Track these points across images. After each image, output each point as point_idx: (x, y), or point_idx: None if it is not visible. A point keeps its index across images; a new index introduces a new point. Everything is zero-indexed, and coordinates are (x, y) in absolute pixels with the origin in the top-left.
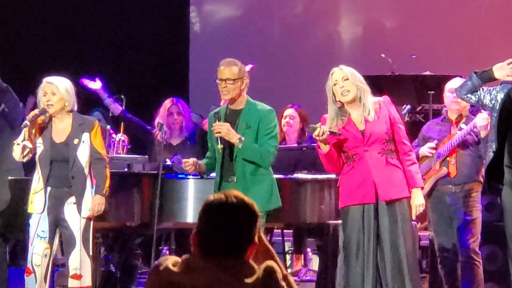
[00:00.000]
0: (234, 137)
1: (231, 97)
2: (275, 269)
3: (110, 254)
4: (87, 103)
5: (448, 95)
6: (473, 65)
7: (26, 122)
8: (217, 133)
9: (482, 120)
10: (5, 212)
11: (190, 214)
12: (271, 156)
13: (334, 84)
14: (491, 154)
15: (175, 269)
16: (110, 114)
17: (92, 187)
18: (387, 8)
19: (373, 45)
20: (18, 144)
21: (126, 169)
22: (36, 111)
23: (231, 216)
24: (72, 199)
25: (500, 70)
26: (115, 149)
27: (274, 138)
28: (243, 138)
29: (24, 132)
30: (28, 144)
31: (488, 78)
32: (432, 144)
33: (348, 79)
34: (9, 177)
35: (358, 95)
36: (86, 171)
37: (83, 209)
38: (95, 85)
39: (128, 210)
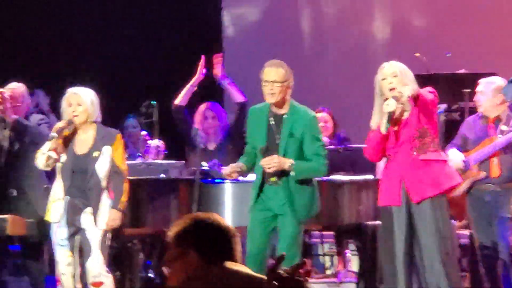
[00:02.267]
0: (285, 164)
1: (276, 100)
2: None
3: (149, 260)
4: (122, 110)
5: (486, 95)
6: (509, 61)
7: (54, 134)
8: (268, 169)
9: None
10: (41, 222)
11: (228, 218)
12: (325, 167)
13: (383, 79)
14: None
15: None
16: (145, 120)
17: (110, 200)
18: (418, 7)
19: (407, 44)
20: (43, 153)
21: (162, 176)
22: (62, 123)
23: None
24: (89, 209)
25: None
26: (151, 156)
27: (322, 146)
28: (293, 163)
29: (50, 142)
30: (53, 154)
31: None
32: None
33: (397, 75)
34: (45, 185)
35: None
36: (104, 184)
37: (99, 221)
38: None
39: (165, 216)
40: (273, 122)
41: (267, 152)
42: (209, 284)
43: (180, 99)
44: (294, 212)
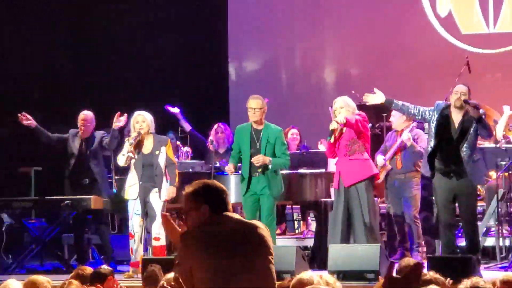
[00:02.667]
0: (266, 160)
1: (256, 120)
2: None
3: None
4: (165, 127)
5: (396, 117)
6: (411, 97)
7: (132, 141)
8: (257, 163)
9: (406, 136)
10: (114, 199)
11: (232, 197)
12: (289, 162)
13: (335, 109)
14: (429, 150)
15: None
16: (180, 135)
17: (167, 181)
18: (353, 61)
19: (347, 85)
20: (123, 155)
21: (190, 170)
22: (135, 134)
23: None
24: (155, 189)
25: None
26: (182, 157)
27: (286, 149)
28: (271, 159)
29: (128, 147)
30: (132, 155)
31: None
32: (381, 159)
33: (343, 107)
34: (116, 177)
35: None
36: (163, 171)
37: (161, 195)
38: (175, 109)
39: None
40: (255, 135)
41: (253, 154)
42: (215, 226)
43: (185, 128)
44: (271, 191)
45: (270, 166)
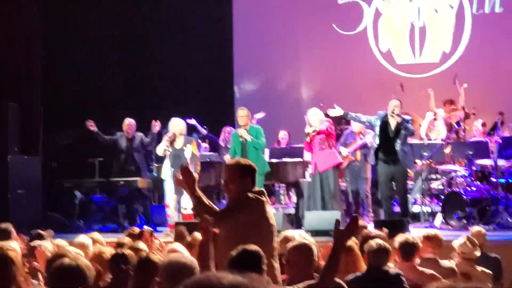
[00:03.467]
0: (248, 137)
1: (243, 124)
2: None
3: None
4: (190, 131)
5: (354, 122)
6: (361, 108)
7: (167, 138)
8: (240, 134)
9: (370, 139)
10: (154, 180)
11: None
12: (264, 144)
13: (309, 118)
14: (375, 146)
15: None
16: (200, 135)
17: (193, 169)
18: (322, 81)
19: (319, 99)
20: (161, 148)
21: (208, 160)
22: (170, 133)
23: None
24: None
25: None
26: (202, 151)
27: (263, 139)
28: (252, 137)
29: (165, 142)
30: (167, 148)
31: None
32: (346, 151)
33: (314, 116)
34: (156, 164)
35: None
36: (188, 161)
37: None
38: (192, 121)
39: (209, 178)
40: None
41: (243, 147)
42: (254, 194)
43: (202, 132)
44: (259, 170)
45: (249, 141)
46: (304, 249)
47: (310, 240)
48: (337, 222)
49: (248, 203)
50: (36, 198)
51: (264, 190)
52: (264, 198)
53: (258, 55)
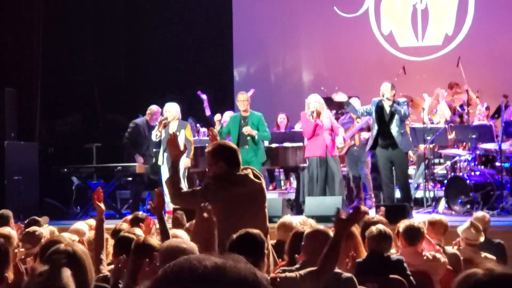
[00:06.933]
0: (253, 132)
1: (244, 109)
2: None
3: (201, 182)
4: (185, 114)
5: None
6: (363, 92)
7: (157, 123)
8: (246, 132)
9: (366, 118)
10: (152, 165)
11: None
12: (269, 136)
13: (309, 102)
14: (375, 131)
15: None
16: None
17: (185, 154)
18: (323, 65)
19: (319, 83)
20: (154, 133)
21: (206, 144)
22: (162, 118)
23: None
24: None
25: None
26: (201, 135)
27: (267, 128)
28: (257, 132)
29: (157, 128)
30: (158, 133)
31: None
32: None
33: (316, 101)
34: (154, 150)
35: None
36: (182, 147)
37: (181, 164)
38: (204, 96)
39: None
40: (243, 120)
41: (241, 133)
42: (231, 177)
43: (207, 112)
44: (257, 159)
45: (256, 137)
46: (321, 235)
47: (314, 224)
48: (338, 210)
49: (222, 185)
50: (33, 184)
51: (252, 170)
52: (250, 175)
53: (258, 38)
